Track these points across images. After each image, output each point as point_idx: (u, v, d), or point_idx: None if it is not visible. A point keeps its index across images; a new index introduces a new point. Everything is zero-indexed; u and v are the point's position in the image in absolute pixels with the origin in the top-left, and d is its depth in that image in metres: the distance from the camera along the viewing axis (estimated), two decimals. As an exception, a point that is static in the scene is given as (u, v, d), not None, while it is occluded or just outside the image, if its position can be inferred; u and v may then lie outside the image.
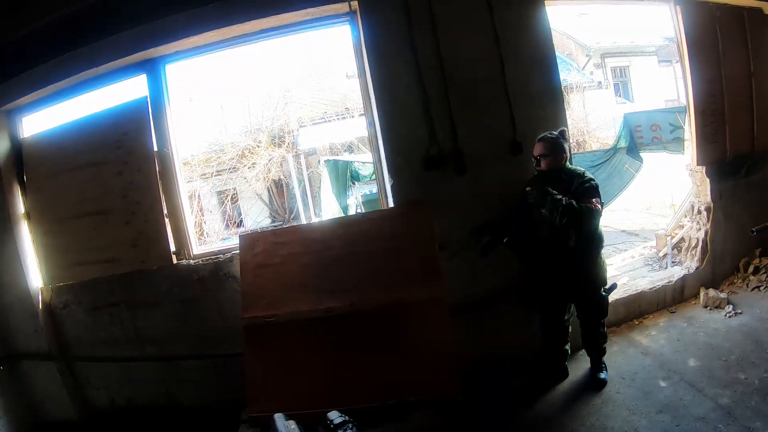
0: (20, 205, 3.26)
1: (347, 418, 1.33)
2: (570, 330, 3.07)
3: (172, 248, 3.26)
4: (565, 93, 12.14)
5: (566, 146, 2.79)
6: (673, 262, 4.84)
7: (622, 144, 6.55)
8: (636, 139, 6.30)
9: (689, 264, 4.00)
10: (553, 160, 2.74)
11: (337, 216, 6.52)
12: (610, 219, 7.52)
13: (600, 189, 2.72)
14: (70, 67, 3.04)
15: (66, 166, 3.22)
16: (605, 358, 3.12)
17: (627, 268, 5.36)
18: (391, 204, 3.12)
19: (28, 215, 3.29)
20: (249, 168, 10.57)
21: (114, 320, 3.31)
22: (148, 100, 3.16)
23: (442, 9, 2.94)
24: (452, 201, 3.05)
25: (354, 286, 2.91)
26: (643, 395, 2.82)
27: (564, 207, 2.59)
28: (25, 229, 3.28)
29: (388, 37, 2.93)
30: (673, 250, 4.98)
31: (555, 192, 2.65)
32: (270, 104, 11.58)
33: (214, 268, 3.23)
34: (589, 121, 10.86)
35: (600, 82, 12.60)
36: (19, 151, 3.25)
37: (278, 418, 1.29)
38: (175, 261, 3.24)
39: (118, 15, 2.94)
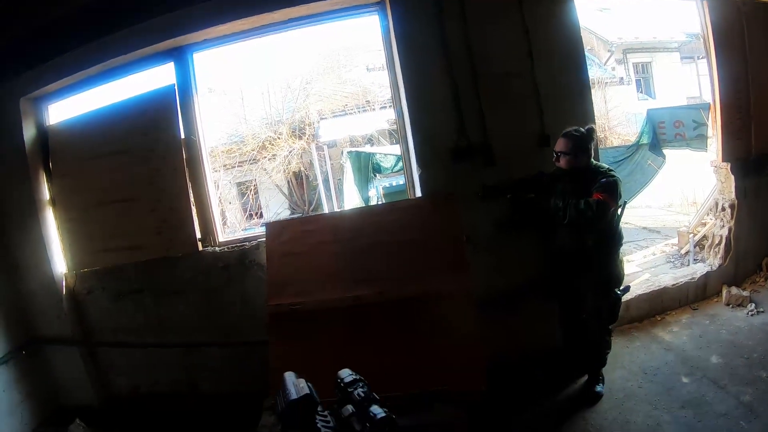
0: (45, 191, 3.39)
1: (358, 376, 1.37)
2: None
3: (198, 235, 3.40)
4: (588, 88, 12.23)
5: (591, 146, 2.81)
6: (695, 259, 4.97)
7: (645, 140, 6.66)
8: (659, 136, 6.42)
9: (712, 261, 4.10)
10: (573, 159, 2.77)
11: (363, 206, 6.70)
12: (632, 216, 7.65)
13: (621, 186, 2.76)
14: (100, 54, 3.15)
15: (92, 153, 3.34)
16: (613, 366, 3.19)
17: (648, 264, 5.48)
18: (418, 195, 3.23)
19: (53, 201, 3.42)
20: (269, 160, 10.74)
21: (138, 307, 3.44)
22: (176, 87, 3.27)
23: (473, 1, 3.04)
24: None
25: (382, 276, 3.03)
26: (665, 390, 2.92)
27: (566, 206, 2.70)
28: (50, 215, 3.41)
29: (418, 28, 3.02)
30: (695, 247, 5.11)
31: (558, 201, 2.76)
32: (290, 96, 11.77)
33: (240, 256, 3.36)
34: (611, 117, 10.95)
35: (622, 78, 12.70)
36: (45, 139, 3.38)
37: (288, 375, 1.31)
38: (200, 248, 3.38)
39: (148, 2, 3.06)
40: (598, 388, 3.01)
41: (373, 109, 11.13)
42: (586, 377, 3.12)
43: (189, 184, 3.34)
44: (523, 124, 3.18)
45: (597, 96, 11.07)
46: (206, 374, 3.51)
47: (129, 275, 3.42)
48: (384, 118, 10.90)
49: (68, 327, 3.43)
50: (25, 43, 3.17)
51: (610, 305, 2.95)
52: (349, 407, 1.27)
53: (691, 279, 3.96)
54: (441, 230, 3.05)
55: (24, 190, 3.31)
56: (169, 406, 3.51)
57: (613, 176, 2.75)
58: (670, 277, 4.09)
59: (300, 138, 10.97)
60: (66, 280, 3.46)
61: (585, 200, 2.63)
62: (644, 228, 7.11)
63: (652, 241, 6.43)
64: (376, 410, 1.21)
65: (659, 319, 3.81)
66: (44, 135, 3.39)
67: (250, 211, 12.00)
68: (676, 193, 7.41)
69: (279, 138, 10.85)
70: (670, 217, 7.19)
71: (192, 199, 3.37)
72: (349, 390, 1.30)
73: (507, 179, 3.08)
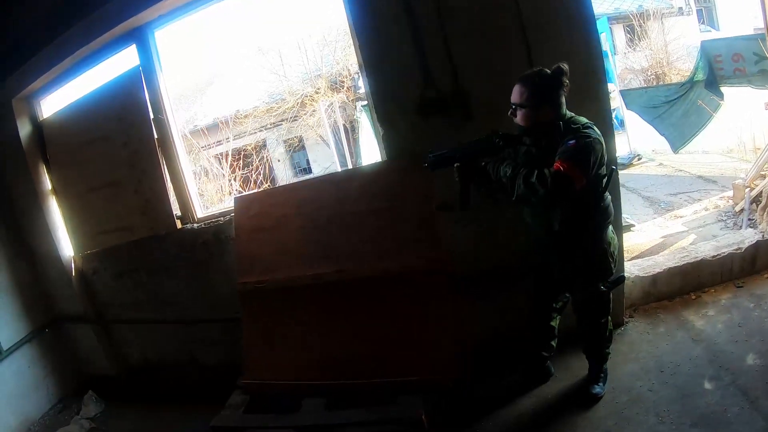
0: (47, 181, 3.51)
1: None
2: (557, 322, 2.57)
3: (177, 213, 3.33)
4: (641, 20, 10.73)
5: (560, 93, 2.01)
6: (749, 219, 4.05)
7: (700, 77, 5.59)
8: (716, 71, 5.33)
9: (765, 227, 3.29)
10: (531, 113, 2.01)
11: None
12: (687, 163, 6.56)
13: (601, 148, 1.97)
14: (68, 47, 3.11)
15: (79, 141, 3.38)
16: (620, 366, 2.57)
17: (697, 223, 4.60)
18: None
19: (55, 190, 3.54)
20: (310, 115, 10.67)
21: (136, 284, 3.49)
22: (141, 69, 3.17)
23: None
24: None
25: (344, 252, 2.74)
26: (680, 398, 2.27)
27: (511, 178, 1.97)
28: (54, 203, 3.54)
29: None
30: (751, 204, 4.18)
31: (507, 170, 2.02)
32: (327, 49, 11.38)
33: (216, 232, 3.24)
34: (669, 51, 9.36)
35: (681, 8, 10.77)
36: (40, 132, 3.48)
37: None
38: (179, 226, 3.31)
39: None
40: (596, 389, 2.42)
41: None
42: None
43: (164, 163, 3.23)
44: (506, 68, 2.45)
45: (653, 28, 9.52)
46: (204, 347, 3.51)
47: (124, 255, 3.47)
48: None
49: (80, 305, 3.54)
50: (5, 48, 3.23)
51: (593, 301, 2.29)
52: None
53: (737, 249, 3.13)
54: (409, 198, 2.64)
55: (28, 182, 3.45)
56: (176, 376, 3.56)
57: (587, 136, 1.93)
58: (711, 246, 3.26)
59: (338, 91, 10.58)
60: (74, 262, 3.58)
61: (539, 171, 1.89)
62: (699, 177, 6.03)
63: (707, 193, 5.42)
64: None
65: (694, 297, 3.07)
66: (39, 129, 3.50)
67: (297, 167, 12.09)
68: (736, 136, 6.18)
69: (318, 92, 10.60)
70: (729, 164, 6.01)
71: (168, 177, 3.26)
72: None
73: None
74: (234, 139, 10.72)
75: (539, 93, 2.00)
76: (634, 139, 7.47)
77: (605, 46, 9.09)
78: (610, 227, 2.24)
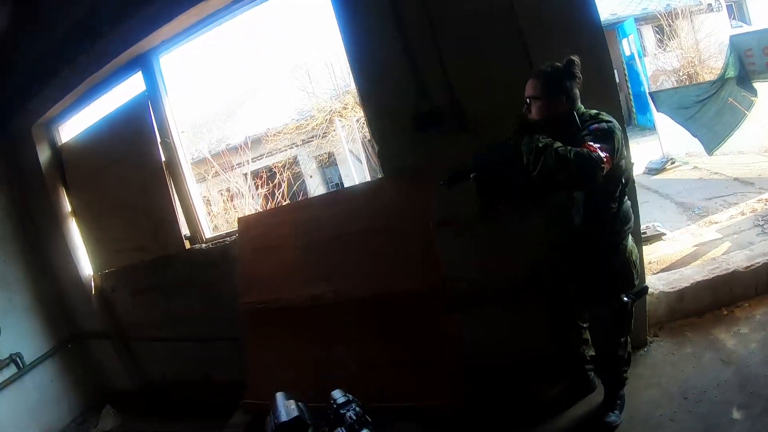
0: (66, 204, 3.52)
1: (351, 397, 1.25)
2: (588, 335, 2.23)
3: (186, 233, 3.23)
4: (669, 19, 9.98)
5: (573, 84, 1.83)
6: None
7: (731, 73, 5.05)
8: (747, 66, 4.80)
9: None
10: (547, 105, 1.82)
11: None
12: (720, 164, 5.93)
13: (620, 138, 1.74)
14: (80, 73, 3.11)
15: (95, 165, 3.37)
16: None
17: (732, 229, 4.09)
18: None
19: (74, 212, 3.53)
20: (338, 131, 10.51)
21: (152, 303, 3.43)
22: (147, 95, 3.10)
23: None
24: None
25: (341, 272, 2.56)
26: (704, 429, 1.93)
27: (540, 148, 1.67)
28: (73, 224, 3.54)
29: None
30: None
31: (542, 135, 1.74)
32: None
33: (223, 252, 3.13)
34: (700, 49, 8.60)
35: (710, 5, 9.92)
36: (59, 157, 3.50)
37: (279, 396, 1.23)
38: (189, 246, 3.22)
39: (102, 17, 2.89)
40: (611, 417, 2.11)
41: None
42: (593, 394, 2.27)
43: (172, 187, 3.14)
44: (505, 78, 2.21)
45: (683, 27, 8.79)
46: (216, 364, 3.39)
47: (140, 274, 3.43)
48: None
49: (99, 323, 3.51)
50: (24, 77, 3.24)
51: (615, 315, 1.98)
52: (341, 430, 1.17)
53: None
54: (407, 217, 2.42)
55: (49, 205, 3.48)
56: (191, 392, 3.46)
57: (608, 120, 1.76)
58: (744, 255, 2.82)
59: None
60: (94, 280, 3.55)
61: (571, 147, 1.63)
62: (736, 179, 5.41)
63: (744, 196, 4.84)
64: None
65: (725, 313, 2.64)
66: (58, 154, 3.50)
67: (330, 182, 11.98)
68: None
69: (346, 108, 10.43)
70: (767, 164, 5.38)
71: (177, 200, 3.16)
72: (341, 412, 1.21)
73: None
74: (266, 157, 10.76)
75: (553, 83, 1.83)
76: (666, 142, 6.86)
77: (633, 48, 8.52)
78: (630, 236, 1.97)
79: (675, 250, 4.02)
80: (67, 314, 3.61)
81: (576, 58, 1.83)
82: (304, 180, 11.61)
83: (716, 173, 5.75)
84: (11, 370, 3.13)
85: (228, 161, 9.64)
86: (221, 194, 9.14)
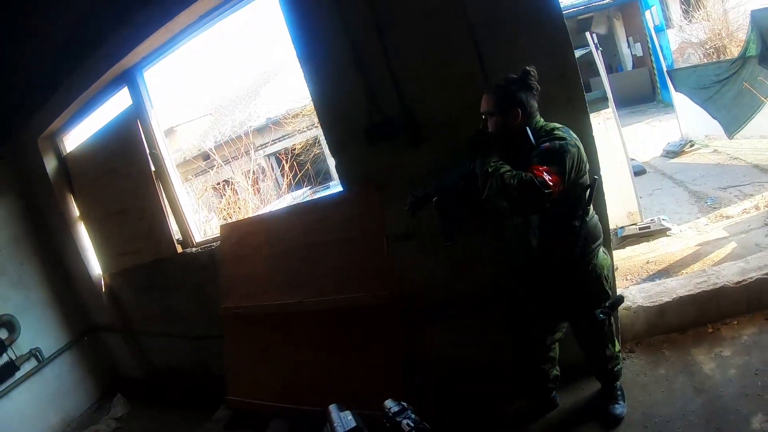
0: (75, 209, 3.69)
1: (405, 405, 1.18)
2: (556, 352, 2.14)
3: (178, 238, 3.33)
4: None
5: (529, 96, 1.72)
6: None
7: (752, 51, 4.55)
8: (770, 44, 4.27)
9: None
10: (502, 120, 1.73)
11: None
12: (741, 149, 5.43)
13: (577, 152, 1.64)
14: (74, 89, 3.19)
15: (95, 174, 3.51)
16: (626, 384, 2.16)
17: (741, 227, 3.76)
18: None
19: (82, 216, 3.72)
20: None
21: (152, 300, 3.60)
22: (134, 109, 3.17)
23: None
24: (415, 178, 2.16)
25: (305, 282, 2.62)
26: None
27: (488, 173, 1.62)
28: (82, 228, 3.72)
29: None
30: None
31: (493, 159, 1.67)
32: None
33: (210, 255, 3.21)
34: (729, 20, 7.72)
35: None
36: (65, 165, 3.65)
37: (332, 408, 1.17)
38: (180, 250, 3.32)
39: (86, 39, 2.94)
40: (618, 409, 2.06)
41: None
42: (552, 412, 2.22)
43: (162, 194, 3.23)
44: (458, 82, 2.10)
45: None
46: (212, 358, 3.51)
47: (141, 275, 3.58)
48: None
49: (109, 317, 3.73)
50: (25, 94, 3.39)
51: (592, 329, 1.95)
52: None
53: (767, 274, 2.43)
54: (364, 229, 2.43)
55: (59, 210, 3.67)
56: (193, 381, 3.64)
57: (561, 137, 1.64)
58: (737, 269, 2.55)
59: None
60: (104, 279, 3.74)
61: (517, 173, 1.56)
62: (756, 166, 4.94)
63: (760, 187, 4.42)
64: None
65: (710, 330, 2.43)
66: (64, 163, 3.65)
67: None
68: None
69: None
70: (792, 151, 4.86)
71: (168, 206, 3.26)
72: (397, 420, 1.15)
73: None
74: (287, 138, 10.78)
75: (507, 97, 1.73)
76: (685, 123, 6.33)
77: (656, 20, 7.81)
78: (602, 248, 1.87)
79: (677, 249, 3.78)
80: (81, 310, 3.85)
81: (532, 69, 1.73)
82: (326, 160, 11.63)
83: (736, 158, 5.27)
84: (32, 363, 3.41)
85: (251, 143, 9.76)
86: (246, 176, 9.22)
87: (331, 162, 12.72)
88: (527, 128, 1.70)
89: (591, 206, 1.79)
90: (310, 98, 2.43)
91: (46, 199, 3.65)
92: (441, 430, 2.20)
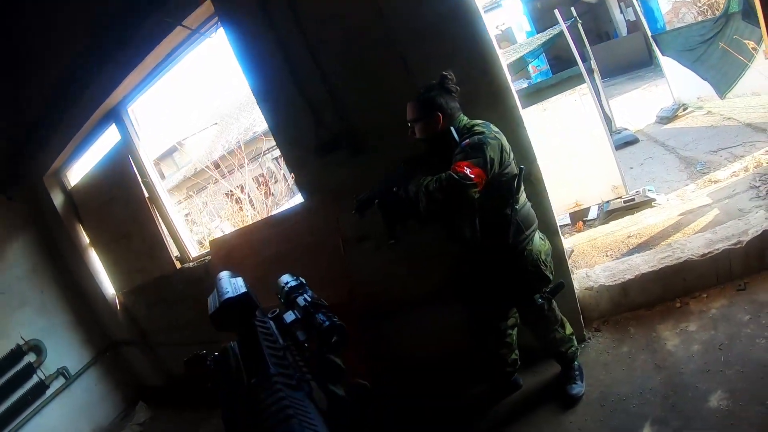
0: (84, 236, 3.96)
1: (303, 281, 1.09)
2: (512, 338, 2.19)
3: (176, 254, 3.55)
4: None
5: (448, 99, 1.80)
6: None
7: (735, 7, 4.36)
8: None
9: None
10: (426, 126, 1.81)
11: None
12: (735, 108, 5.22)
13: (498, 142, 1.71)
14: (69, 130, 3.44)
15: (98, 204, 3.77)
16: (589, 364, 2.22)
17: (726, 192, 3.65)
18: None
19: (92, 243, 3.98)
20: None
21: (162, 313, 3.84)
22: (124, 143, 3.39)
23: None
24: (363, 184, 2.14)
25: None
26: None
27: (417, 190, 1.67)
28: (93, 253, 3.99)
29: (251, 28, 2.37)
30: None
31: (413, 187, 1.72)
32: None
33: (205, 269, 3.40)
34: None
35: None
36: (71, 198, 3.91)
37: (223, 274, 1.06)
38: (179, 266, 3.54)
39: (77, 78, 3.14)
40: (575, 389, 2.13)
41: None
42: (515, 393, 2.30)
43: (157, 216, 3.44)
44: (389, 91, 2.19)
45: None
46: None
47: (149, 291, 3.82)
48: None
49: (126, 332, 4.00)
50: (28, 136, 3.63)
51: (535, 314, 2.01)
52: (293, 314, 1.01)
53: (736, 244, 2.36)
54: (322, 236, 2.61)
55: (70, 239, 3.94)
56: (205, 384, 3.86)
57: (479, 132, 1.72)
58: (703, 241, 2.52)
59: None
60: (118, 298, 4.01)
61: (436, 177, 1.62)
62: (748, 125, 4.76)
63: (752, 147, 4.27)
64: (323, 317, 0.95)
65: (678, 305, 2.41)
66: (70, 196, 3.91)
67: None
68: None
69: None
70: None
71: (164, 226, 3.46)
72: (293, 296, 1.05)
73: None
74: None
75: (427, 103, 1.82)
76: (677, 87, 6.11)
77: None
78: (537, 234, 1.94)
79: (659, 220, 3.71)
80: (101, 328, 4.15)
81: (449, 73, 1.82)
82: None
83: (729, 119, 5.09)
84: (60, 381, 3.73)
85: (258, 148, 9.92)
86: (256, 180, 9.37)
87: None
88: (451, 128, 1.78)
89: (522, 194, 1.86)
90: (268, 128, 2.55)
91: (58, 231, 3.93)
92: (404, 415, 2.37)
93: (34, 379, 3.55)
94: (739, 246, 2.37)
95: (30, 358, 3.59)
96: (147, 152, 3.44)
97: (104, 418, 3.92)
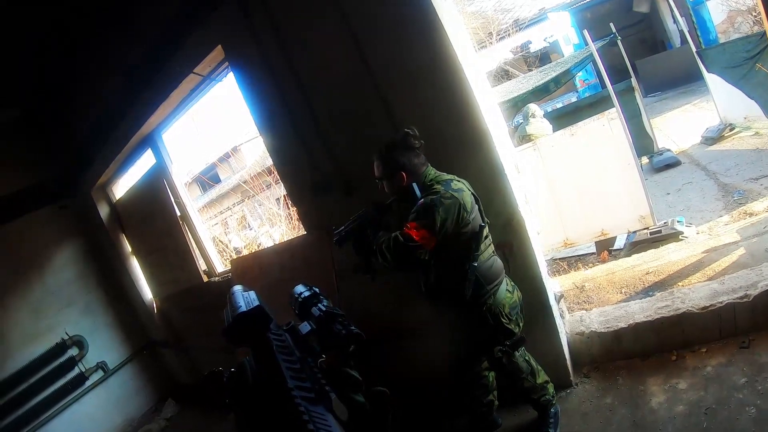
0: (127, 246, 4.39)
1: (317, 290, 1.11)
2: (489, 380, 2.20)
3: (204, 269, 3.86)
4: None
5: (410, 156, 1.84)
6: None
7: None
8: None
9: None
10: (390, 183, 1.89)
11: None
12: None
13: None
14: (111, 152, 3.85)
15: (138, 218, 4.17)
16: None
17: (756, 229, 3.41)
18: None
19: (134, 252, 4.40)
20: None
21: (193, 319, 4.17)
22: (158, 166, 3.74)
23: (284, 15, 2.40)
24: None
25: (277, 312, 2.93)
26: None
27: (377, 246, 1.76)
28: (135, 262, 4.41)
29: (250, 62, 2.59)
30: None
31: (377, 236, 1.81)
32: None
33: (228, 283, 3.67)
34: None
35: None
36: (116, 210, 4.35)
37: (236, 288, 1.09)
38: (205, 279, 3.84)
39: (119, 107, 3.51)
40: None
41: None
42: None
43: (187, 233, 3.76)
44: (375, 136, 2.23)
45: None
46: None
47: (181, 298, 4.16)
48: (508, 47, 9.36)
49: (162, 334, 4.39)
50: (78, 154, 4.08)
51: (497, 366, 2.02)
52: (308, 324, 1.00)
53: (742, 297, 2.24)
54: (318, 266, 2.74)
55: (115, 248, 4.38)
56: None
57: (434, 192, 1.76)
58: (707, 292, 2.40)
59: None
60: (155, 302, 4.41)
61: (390, 237, 1.72)
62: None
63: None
64: (339, 326, 0.95)
65: (674, 358, 2.31)
66: (114, 208, 4.35)
67: None
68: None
69: None
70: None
71: (194, 243, 3.79)
72: (308, 306, 1.04)
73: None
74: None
75: (389, 163, 1.88)
76: (723, 106, 5.66)
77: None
78: (505, 285, 1.95)
79: (681, 257, 3.53)
80: (140, 329, 4.57)
81: (411, 130, 1.87)
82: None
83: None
84: (98, 374, 4.18)
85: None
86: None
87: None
88: (413, 185, 1.83)
89: (489, 248, 1.89)
90: (272, 162, 2.76)
91: (103, 240, 4.39)
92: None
93: (75, 371, 4.00)
94: (745, 300, 2.25)
95: (73, 352, 4.04)
96: (179, 174, 3.78)
97: (136, 410, 4.33)
